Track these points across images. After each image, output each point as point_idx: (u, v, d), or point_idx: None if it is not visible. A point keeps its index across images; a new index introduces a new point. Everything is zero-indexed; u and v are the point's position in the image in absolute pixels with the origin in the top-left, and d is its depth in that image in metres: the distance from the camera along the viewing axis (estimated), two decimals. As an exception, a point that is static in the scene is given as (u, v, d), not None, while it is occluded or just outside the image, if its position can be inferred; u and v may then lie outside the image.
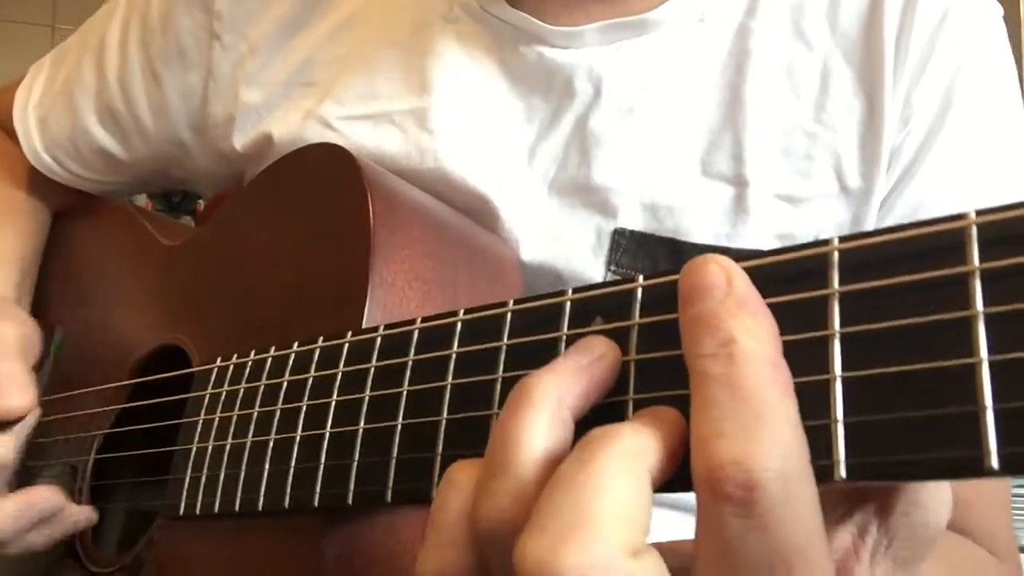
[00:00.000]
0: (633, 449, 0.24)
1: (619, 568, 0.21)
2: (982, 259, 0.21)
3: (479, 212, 0.52)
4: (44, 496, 0.52)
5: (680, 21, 0.52)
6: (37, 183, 0.71)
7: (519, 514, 0.24)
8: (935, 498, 0.25)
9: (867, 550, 0.25)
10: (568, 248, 0.52)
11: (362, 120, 0.55)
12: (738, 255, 0.26)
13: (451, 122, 0.53)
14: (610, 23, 0.52)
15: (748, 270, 0.25)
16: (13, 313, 0.61)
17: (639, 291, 0.28)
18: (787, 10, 0.52)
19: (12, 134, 0.72)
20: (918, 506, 0.25)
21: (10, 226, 0.68)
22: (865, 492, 0.25)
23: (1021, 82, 0.58)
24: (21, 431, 0.54)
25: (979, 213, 0.22)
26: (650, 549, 0.22)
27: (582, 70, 0.52)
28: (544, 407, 0.25)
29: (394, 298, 0.42)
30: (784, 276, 0.25)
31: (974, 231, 0.22)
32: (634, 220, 0.51)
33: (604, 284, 0.30)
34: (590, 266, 0.51)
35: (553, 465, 0.24)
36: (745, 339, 0.22)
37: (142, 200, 1.97)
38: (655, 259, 0.50)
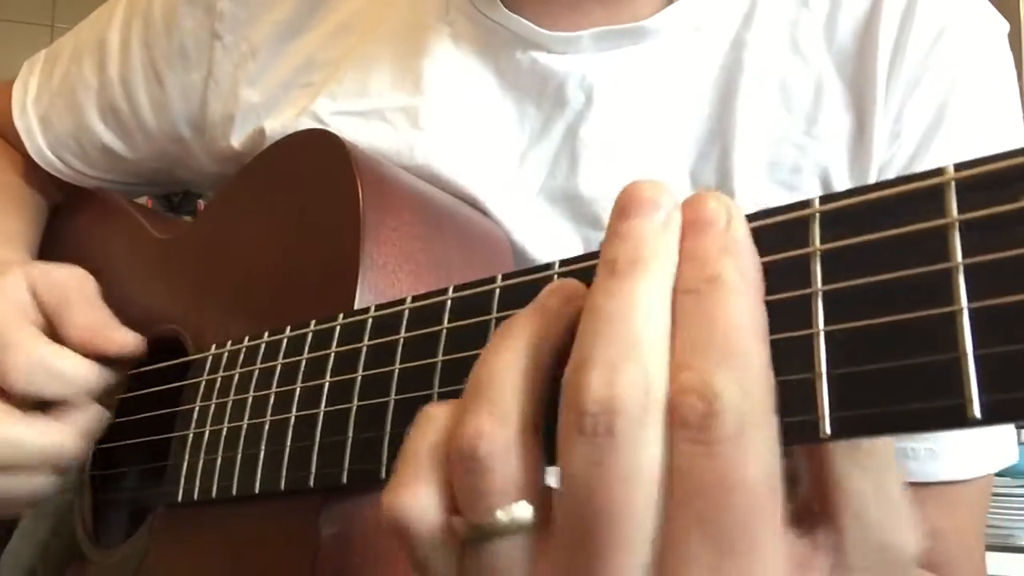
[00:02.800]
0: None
1: (659, 375, 0.23)
2: (960, 210, 0.22)
3: None
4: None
5: (676, 30, 0.52)
6: (34, 176, 0.71)
7: (496, 438, 0.25)
8: (887, 516, 0.25)
9: (824, 565, 0.25)
10: (557, 256, 0.52)
11: (354, 116, 0.55)
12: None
13: (442, 122, 0.53)
14: (606, 30, 0.52)
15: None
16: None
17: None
18: (784, 24, 0.52)
19: (5, 134, 0.72)
20: (864, 523, 0.25)
21: (14, 213, 0.68)
22: (816, 513, 0.26)
23: (1023, 89, 0.57)
24: (115, 374, 0.52)
25: (957, 167, 0.22)
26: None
27: (575, 78, 0.52)
28: (520, 343, 0.26)
29: (385, 280, 0.43)
30: (769, 237, 0.25)
31: (952, 184, 0.22)
32: None
33: (590, 255, 0.30)
34: None
35: (527, 406, 0.26)
36: (732, 277, 0.23)
37: (142, 199, 1.97)
38: None
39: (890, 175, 0.50)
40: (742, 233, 0.24)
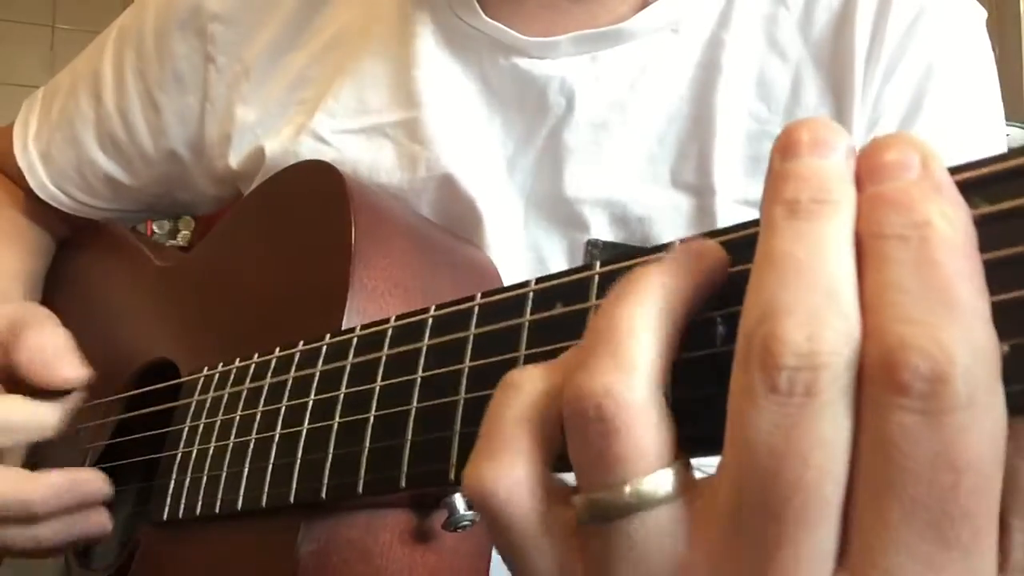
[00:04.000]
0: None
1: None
2: None
3: (466, 221, 0.53)
4: (91, 478, 0.47)
5: (654, 32, 0.54)
6: (39, 212, 0.73)
7: (627, 395, 0.22)
8: None
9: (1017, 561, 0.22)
10: (545, 260, 0.53)
11: (355, 134, 0.56)
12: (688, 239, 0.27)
13: (440, 133, 0.54)
14: (584, 34, 0.53)
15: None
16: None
17: (596, 277, 0.29)
18: (760, 20, 0.54)
19: (8, 171, 0.73)
20: None
21: (16, 247, 0.70)
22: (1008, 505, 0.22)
23: (1022, 80, 0.58)
24: (70, 403, 0.49)
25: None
26: None
27: (555, 83, 0.53)
28: (653, 296, 0.23)
29: (374, 304, 0.44)
30: (727, 251, 0.26)
31: None
32: (605, 231, 0.53)
33: (564, 273, 0.31)
34: None
35: (659, 365, 0.22)
36: (941, 223, 0.20)
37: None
38: None
39: None
40: (944, 176, 0.21)
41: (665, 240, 0.52)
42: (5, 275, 0.67)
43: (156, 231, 1.85)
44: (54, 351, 0.49)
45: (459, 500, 0.38)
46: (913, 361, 0.18)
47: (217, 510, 0.42)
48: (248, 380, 0.44)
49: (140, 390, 0.55)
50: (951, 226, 0.20)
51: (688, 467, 0.23)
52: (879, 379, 0.19)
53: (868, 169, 0.21)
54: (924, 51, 0.52)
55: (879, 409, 0.19)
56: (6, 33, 2.30)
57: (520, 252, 0.53)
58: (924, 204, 0.20)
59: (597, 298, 0.29)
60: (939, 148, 0.53)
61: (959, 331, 0.18)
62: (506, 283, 0.51)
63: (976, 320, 0.19)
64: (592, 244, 0.52)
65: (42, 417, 0.48)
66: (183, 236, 2.00)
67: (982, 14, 0.56)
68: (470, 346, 0.33)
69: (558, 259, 0.53)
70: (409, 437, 0.33)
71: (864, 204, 0.21)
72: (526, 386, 0.24)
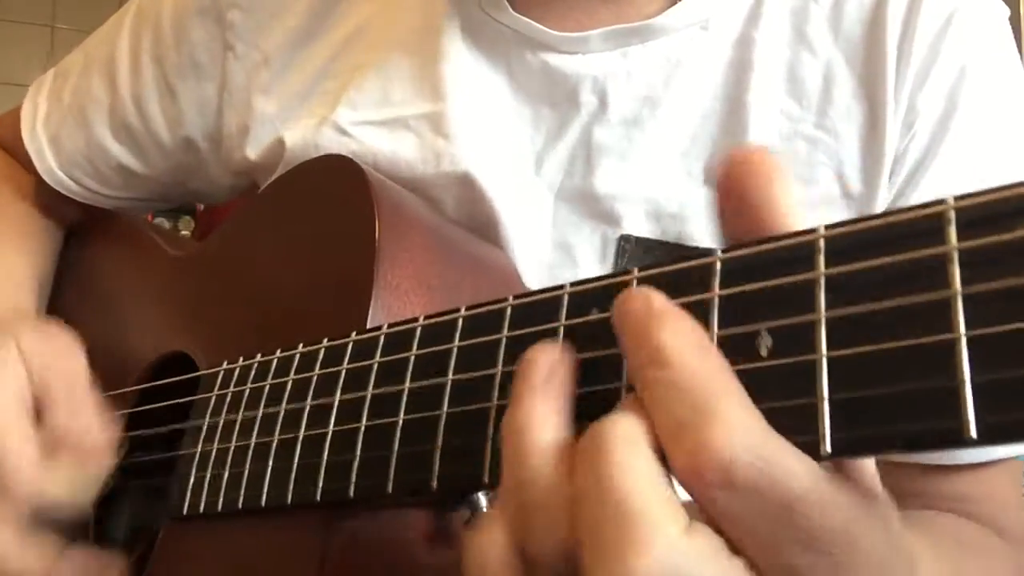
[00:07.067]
0: (631, 436, 0.25)
1: (686, 551, 0.23)
2: (960, 240, 0.22)
3: (490, 216, 0.53)
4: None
5: (683, 28, 0.53)
6: (47, 202, 0.71)
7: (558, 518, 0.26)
8: None
9: None
10: (575, 256, 0.53)
11: (377, 126, 0.55)
12: (732, 247, 0.27)
13: (466, 127, 0.54)
14: (615, 29, 0.53)
15: (739, 258, 0.27)
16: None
17: (635, 283, 0.29)
18: (789, 15, 0.53)
19: (17, 157, 0.72)
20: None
21: (24, 247, 0.68)
22: None
23: None
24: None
25: (957, 198, 0.23)
26: (695, 523, 0.24)
27: (587, 81, 0.53)
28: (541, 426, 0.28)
29: (398, 301, 0.43)
30: (774, 262, 0.26)
31: (952, 214, 0.23)
32: (639, 227, 0.52)
33: (601, 277, 0.31)
34: (596, 273, 0.52)
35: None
36: (670, 339, 0.25)
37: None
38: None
39: (906, 164, 0.51)
40: (660, 304, 0.26)
41: (698, 237, 0.52)
42: (12, 281, 0.65)
43: (155, 230, 1.85)
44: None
45: (482, 498, 0.38)
46: (705, 459, 0.24)
47: (240, 506, 0.42)
48: (271, 376, 0.44)
49: (155, 383, 0.55)
50: (677, 336, 0.25)
51: None
52: (695, 481, 0.24)
53: (615, 325, 0.27)
54: (957, 52, 0.51)
55: (711, 503, 0.24)
56: (6, 33, 2.28)
57: (547, 249, 0.53)
58: (654, 333, 0.26)
59: (635, 305, 0.29)
60: (974, 149, 0.53)
61: (723, 415, 0.24)
62: (531, 282, 0.51)
63: (728, 397, 0.24)
64: (624, 239, 0.52)
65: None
66: (183, 236, 2.00)
67: (1005, 11, 0.55)
68: (502, 350, 0.32)
69: (588, 255, 0.53)
70: (440, 440, 0.33)
71: (625, 351, 0.27)
72: (494, 532, 0.29)
